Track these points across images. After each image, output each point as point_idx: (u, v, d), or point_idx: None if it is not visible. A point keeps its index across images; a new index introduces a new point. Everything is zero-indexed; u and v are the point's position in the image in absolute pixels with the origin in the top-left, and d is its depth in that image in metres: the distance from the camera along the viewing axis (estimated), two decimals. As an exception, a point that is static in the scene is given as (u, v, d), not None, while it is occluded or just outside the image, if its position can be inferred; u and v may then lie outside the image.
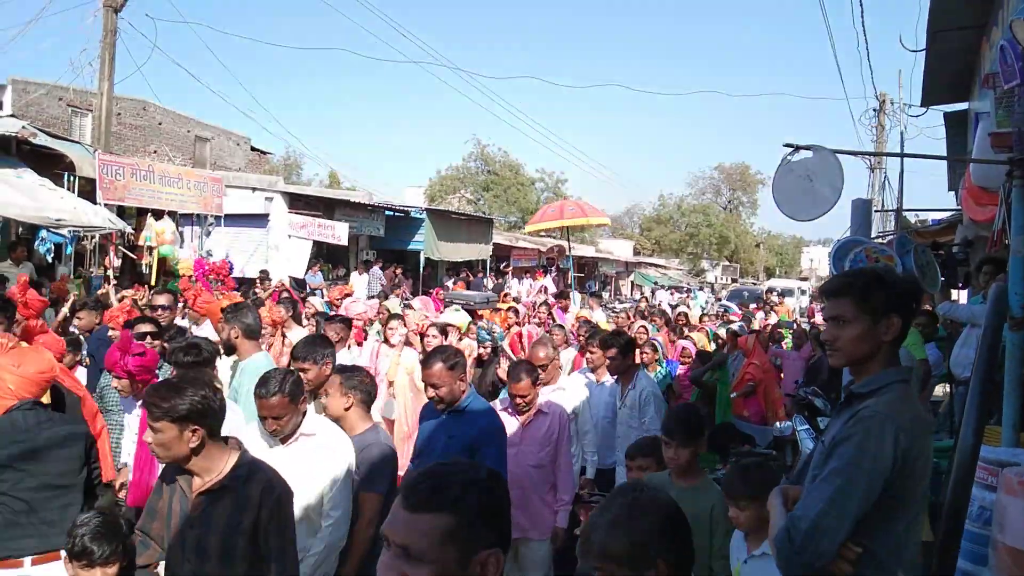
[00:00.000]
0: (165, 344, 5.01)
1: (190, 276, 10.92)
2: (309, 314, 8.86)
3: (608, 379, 5.74)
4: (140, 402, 3.52)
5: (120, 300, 7.56)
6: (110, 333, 6.00)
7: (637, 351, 6.55)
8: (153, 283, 11.63)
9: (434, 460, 1.96)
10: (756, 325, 13.22)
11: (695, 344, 8.90)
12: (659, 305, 16.93)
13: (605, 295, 25.91)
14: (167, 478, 2.89)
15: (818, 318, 17.52)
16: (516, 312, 10.10)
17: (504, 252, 26.72)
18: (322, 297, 12.17)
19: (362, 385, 3.89)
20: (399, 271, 19.83)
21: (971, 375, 3.68)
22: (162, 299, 6.40)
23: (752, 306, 18.80)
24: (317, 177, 45.08)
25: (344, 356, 6.06)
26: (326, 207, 18.18)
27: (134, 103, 21.08)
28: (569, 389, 5.53)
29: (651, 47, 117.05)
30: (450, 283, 20.13)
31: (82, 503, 3.48)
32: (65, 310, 7.85)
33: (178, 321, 6.74)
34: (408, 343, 6.86)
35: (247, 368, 4.59)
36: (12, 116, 13.38)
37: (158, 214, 12.84)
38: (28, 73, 19.44)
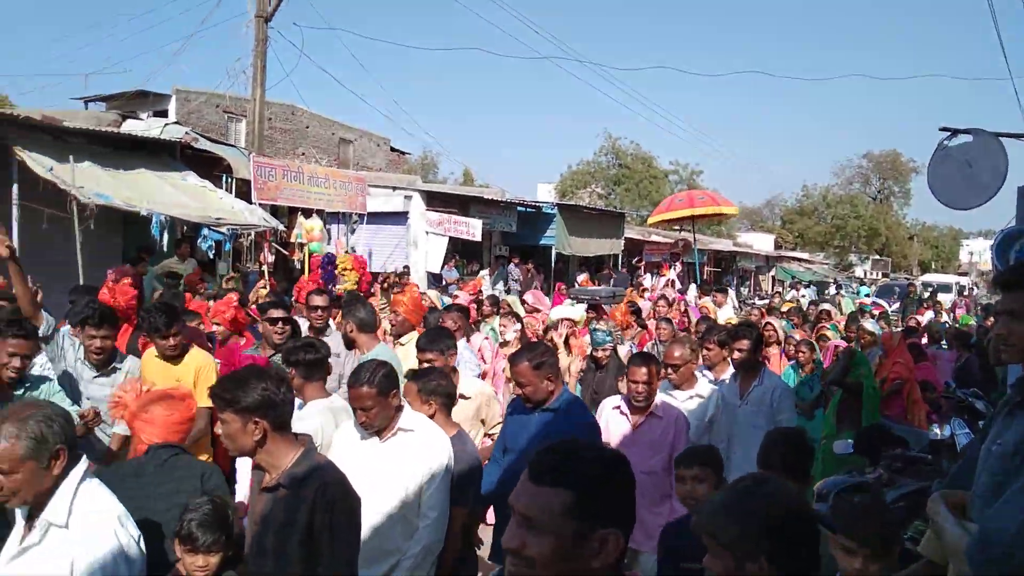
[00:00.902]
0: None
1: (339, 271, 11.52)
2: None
3: (726, 376, 5.40)
4: None
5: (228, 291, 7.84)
6: (215, 327, 6.15)
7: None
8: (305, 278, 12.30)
9: (522, 458, 2.00)
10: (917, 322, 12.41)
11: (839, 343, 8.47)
12: (799, 301, 16.21)
13: (744, 291, 25.03)
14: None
15: (960, 315, 16.16)
16: (638, 311, 9.53)
17: (636, 247, 26.40)
18: (440, 292, 12.43)
19: (441, 388, 3.80)
20: (531, 267, 20.03)
21: None
22: (319, 300, 5.93)
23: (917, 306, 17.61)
24: (452, 175, 46.27)
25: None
26: (461, 204, 18.62)
27: (283, 108, 22.38)
28: (705, 395, 5.03)
29: (792, 31, 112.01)
30: (581, 278, 20.12)
31: None
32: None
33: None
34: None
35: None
36: (177, 123, 14.55)
37: (307, 212, 13.59)
38: (189, 83, 21.06)
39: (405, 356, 5.19)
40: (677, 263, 23.84)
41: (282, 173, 13.27)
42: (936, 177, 4.45)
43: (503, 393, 6.76)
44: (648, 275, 21.35)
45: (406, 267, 15.24)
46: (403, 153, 29.56)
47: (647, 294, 14.62)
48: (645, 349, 7.18)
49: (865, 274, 51.35)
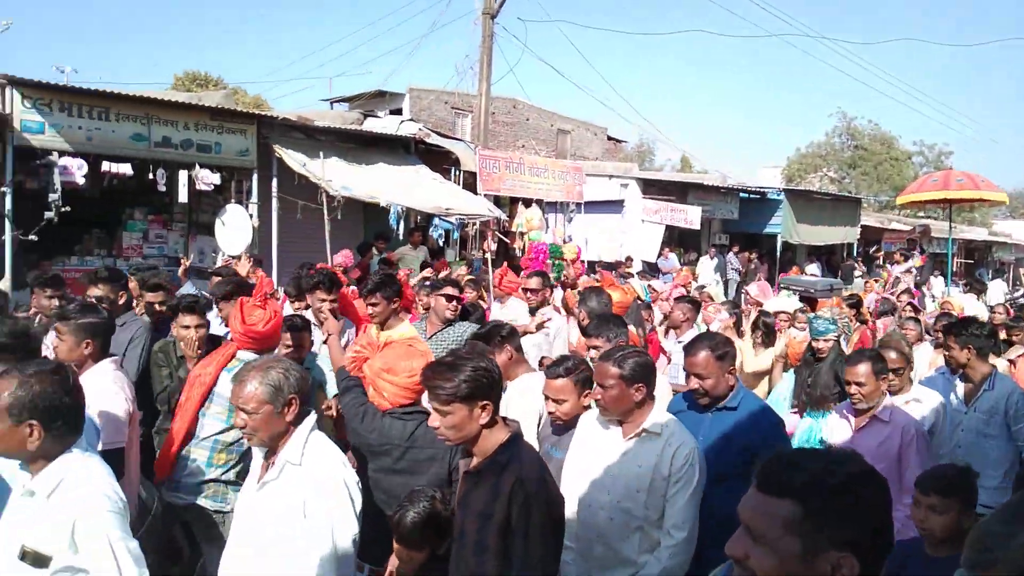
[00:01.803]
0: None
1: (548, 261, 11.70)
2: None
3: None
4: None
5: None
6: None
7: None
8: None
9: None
10: None
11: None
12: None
13: (1003, 284, 22.19)
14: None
15: None
16: (857, 304, 8.62)
17: (874, 235, 24.32)
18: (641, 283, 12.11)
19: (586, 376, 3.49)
20: (754, 255, 19.13)
21: None
22: (534, 282, 6.35)
23: None
24: (669, 162, 45.36)
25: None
26: (679, 191, 18.19)
27: (505, 102, 23.12)
28: (924, 401, 4.60)
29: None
30: (812, 268, 18.89)
31: None
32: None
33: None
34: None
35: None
36: (411, 120, 15.50)
37: (527, 202, 13.94)
38: (421, 82, 22.37)
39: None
40: (915, 252, 21.64)
41: (505, 164, 13.70)
42: None
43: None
44: (888, 266, 19.55)
45: (628, 257, 15.19)
46: (619, 141, 29.46)
47: (897, 286, 13.30)
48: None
49: None
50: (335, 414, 4.24)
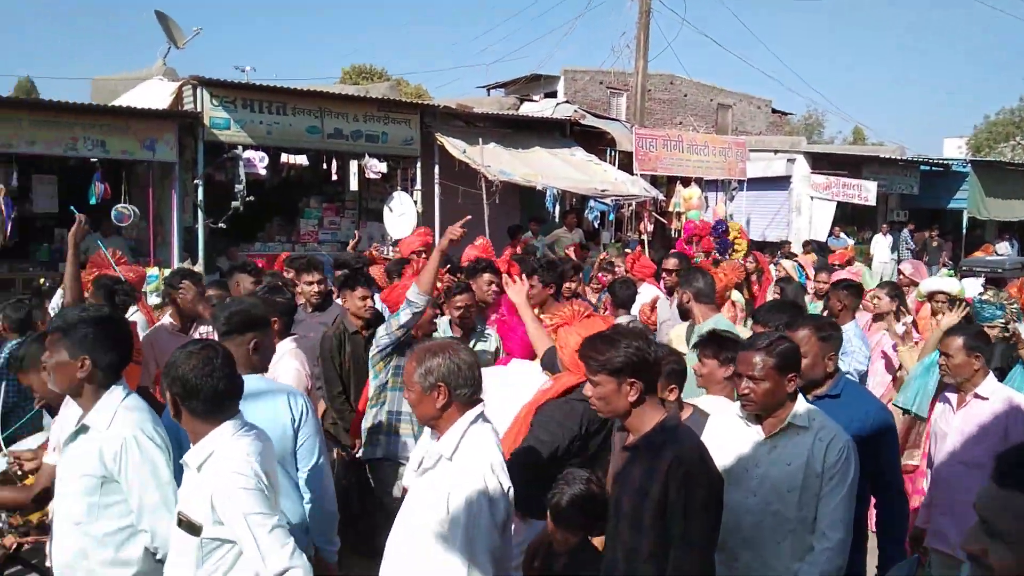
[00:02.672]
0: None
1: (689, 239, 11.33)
2: (776, 278, 8.11)
3: None
4: None
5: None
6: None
7: None
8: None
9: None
10: None
11: None
12: None
13: None
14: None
15: None
16: None
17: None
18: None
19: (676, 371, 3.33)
20: (934, 233, 17.64)
21: None
22: (671, 263, 6.51)
23: None
24: (840, 135, 42.69)
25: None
26: (852, 165, 17.05)
27: (662, 78, 22.58)
28: None
29: None
30: (1002, 246, 17.19)
31: None
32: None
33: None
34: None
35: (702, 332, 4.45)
36: (566, 103, 15.48)
37: (686, 181, 13.58)
38: (576, 63, 22.26)
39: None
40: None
41: (662, 143, 13.39)
42: None
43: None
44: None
45: (787, 241, 14.44)
46: (785, 114, 28.02)
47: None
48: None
49: None
50: None
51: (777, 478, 2.82)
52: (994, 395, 3.71)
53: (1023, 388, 4.85)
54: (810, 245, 11.74)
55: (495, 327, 5.06)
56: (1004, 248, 17.23)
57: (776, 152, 16.92)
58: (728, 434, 2.98)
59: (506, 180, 10.98)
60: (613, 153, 13.42)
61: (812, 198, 15.94)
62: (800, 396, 2.91)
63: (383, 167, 11.04)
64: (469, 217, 4.54)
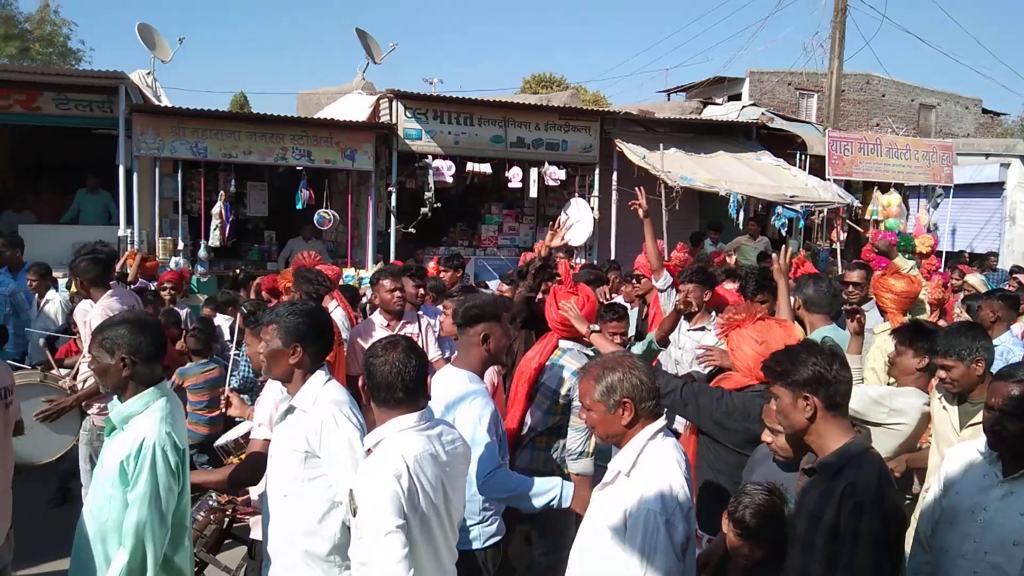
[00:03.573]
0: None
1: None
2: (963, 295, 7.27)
3: None
4: None
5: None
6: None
7: None
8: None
9: None
10: None
11: None
12: None
13: None
14: None
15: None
16: None
17: None
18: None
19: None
20: None
21: None
22: (855, 275, 5.72)
23: None
24: (1064, 135, 38.03)
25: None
26: (1081, 169, 15.17)
27: (857, 78, 21.22)
28: None
29: None
30: None
31: None
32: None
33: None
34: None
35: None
36: (752, 105, 14.92)
37: (884, 187, 12.67)
38: (762, 65, 21.40)
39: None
40: None
41: (858, 146, 12.57)
42: None
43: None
44: None
45: (992, 253, 13.07)
46: (997, 114, 25.43)
47: None
48: None
49: None
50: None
51: (1005, 527, 2.56)
52: None
53: None
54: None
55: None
56: None
57: (988, 156, 15.39)
58: (963, 469, 2.75)
59: (687, 186, 10.74)
60: (803, 157, 12.75)
61: (1032, 206, 14.37)
62: None
63: (562, 174, 11.16)
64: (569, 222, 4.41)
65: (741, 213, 11.07)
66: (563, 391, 3.81)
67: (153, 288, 7.29)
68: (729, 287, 5.74)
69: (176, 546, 2.75)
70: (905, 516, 2.42)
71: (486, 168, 10.89)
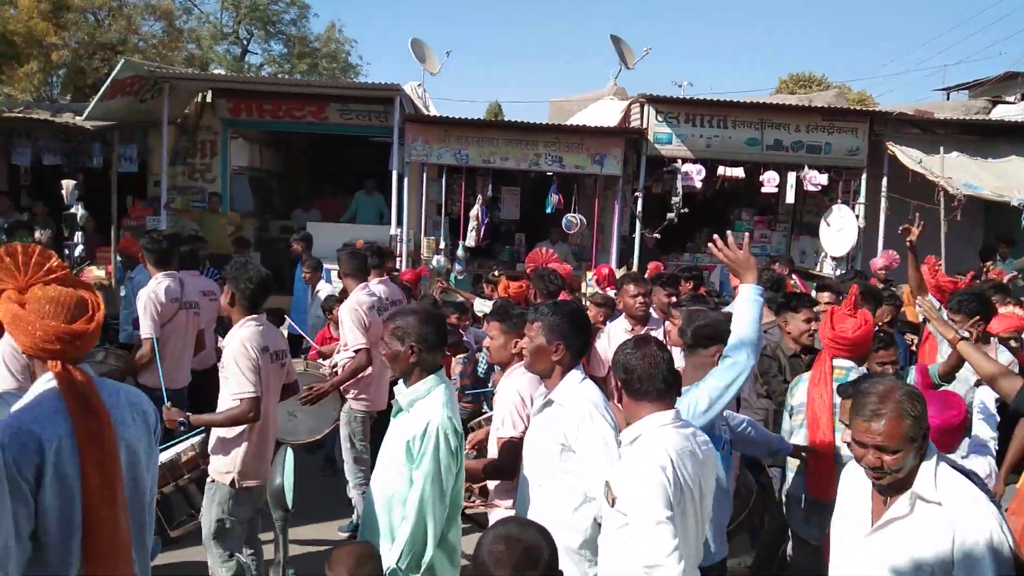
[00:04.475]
0: None
1: None
2: None
3: None
4: None
5: None
6: None
7: None
8: None
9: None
10: None
11: None
12: None
13: None
14: None
15: None
16: None
17: None
18: None
19: None
20: None
21: None
22: None
23: None
24: None
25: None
26: None
27: None
28: None
29: None
30: None
31: None
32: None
33: None
34: None
35: None
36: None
37: None
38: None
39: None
40: None
41: None
42: None
43: None
44: None
45: None
46: None
47: None
48: None
49: None
50: None
51: None
52: None
53: None
54: None
55: None
56: None
57: None
58: None
59: (971, 194, 9.61)
60: None
61: None
62: None
63: (823, 179, 10.46)
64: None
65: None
66: None
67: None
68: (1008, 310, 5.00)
69: (451, 523, 2.93)
70: None
71: (739, 172, 10.50)
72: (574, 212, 10.49)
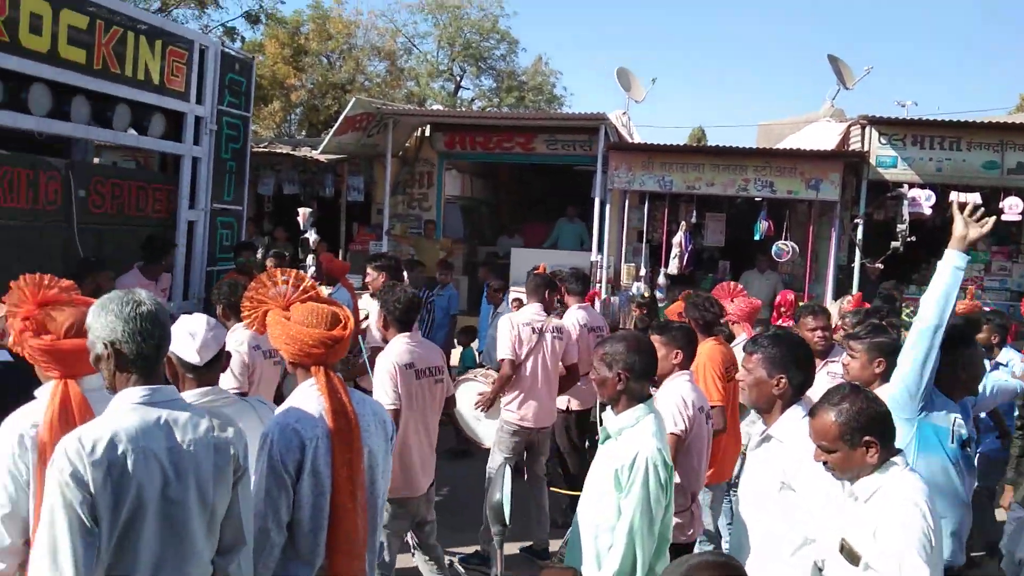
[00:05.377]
0: None
1: None
2: None
3: None
4: None
5: None
6: None
7: None
8: None
9: None
10: None
11: None
12: None
13: None
14: None
15: None
16: None
17: None
18: None
19: None
20: None
21: None
22: None
23: None
24: None
25: None
26: None
27: None
28: None
29: None
30: None
31: None
32: None
33: None
34: None
35: None
36: None
37: None
38: None
39: None
40: None
41: None
42: None
43: None
44: None
45: None
46: None
47: None
48: None
49: None
50: None
51: None
52: None
53: None
54: None
55: None
56: None
57: None
58: None
59: None
60: None
61: None
62: None
63: (1076, 206, 9.28)
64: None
65: None
66: None
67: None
68: None
69: (659, 556, 2.91)
70: None
71: (974, 197, 9.54)
72: (785, 239, 10.05)
